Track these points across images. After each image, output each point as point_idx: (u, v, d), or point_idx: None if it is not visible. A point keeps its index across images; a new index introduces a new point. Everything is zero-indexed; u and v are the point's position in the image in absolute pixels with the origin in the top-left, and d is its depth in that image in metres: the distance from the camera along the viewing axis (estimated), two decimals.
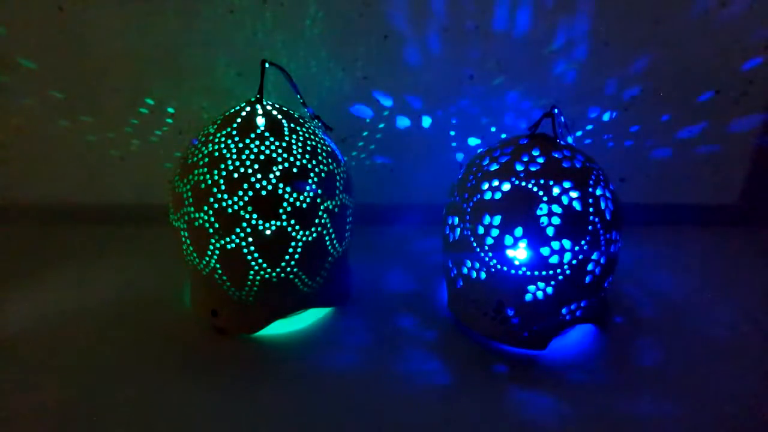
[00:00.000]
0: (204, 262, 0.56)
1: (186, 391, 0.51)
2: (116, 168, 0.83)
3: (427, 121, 0.80)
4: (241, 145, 0.54)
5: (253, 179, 0.53)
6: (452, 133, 0.81)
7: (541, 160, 0.54)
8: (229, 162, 0.53)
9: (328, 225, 0.57)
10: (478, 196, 0.55)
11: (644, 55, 0.76)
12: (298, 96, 0.60)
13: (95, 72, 0.77)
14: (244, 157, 0.53)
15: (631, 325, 0.62)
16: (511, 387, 0.53)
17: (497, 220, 0.53)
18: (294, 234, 0.55)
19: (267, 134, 0.55)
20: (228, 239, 0.53)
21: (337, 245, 0.60)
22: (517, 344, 0.57)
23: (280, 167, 0.54)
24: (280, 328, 0.59)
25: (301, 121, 0.58)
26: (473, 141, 0.82)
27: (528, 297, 0.54)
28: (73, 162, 0.82)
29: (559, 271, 0.52)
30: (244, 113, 0.56)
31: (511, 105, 0.79)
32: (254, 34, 0.74)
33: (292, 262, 0.56)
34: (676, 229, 0.86)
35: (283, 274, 0.56)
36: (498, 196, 0.53)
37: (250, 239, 0.53)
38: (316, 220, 0.56)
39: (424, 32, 0.75)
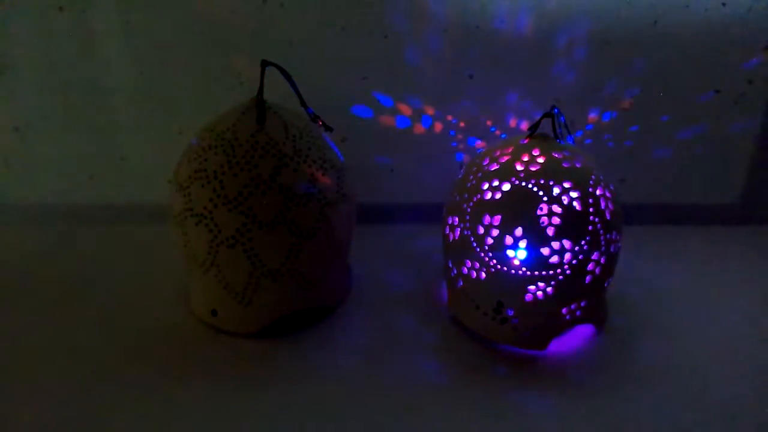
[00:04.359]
0: (204, 262, 0.56)
1: (185, 391, 0.51)
2: (116, 168, 0.83)
3: (427, 121, 0.80)
4: (241, 145, 0.54)
5: (253, 179, 0.53)
6: (452, 133, 0.81)
7: (541, 161, 0.54)
8: (230, 162, 0.53)
9: (328, 224, 0.57)
10: (478, 196, 0.55)
11: (644, 55, 0.76)
12: (298, 96, 0.60)
13: (95, 72, 0.77)
14: (244, 157, 0.53)
15: (631, 326, 0.62)
16: (510, 387, 0.53)
17: (497, 220, 0.53)
18: (295, 234, 0.55)
19: (267, 133, 0.55)
20: (228, 239, 0.53)
21: (337, 245, 0.60)
22: (517, 344, 0.57)
23: (281, 167, 0.54)
24: (279, 328, 0.59)
25: (301, 121, 0.58)
26: (473, 141, 0.82)
27: (528, 297, 0.54)
28: (73, 162, 0.82)
29: (559, 271, 0.52)
30: (244, 113, 0.56)
31: (512, 105, 0.79)
32: (254, 34, 0.74)
33: (292, 262, 0.56)
34: (676, 229, 0.86)
35: (283, 274, 0.56)
36: (498, 196, 0.54)
37: (251, 239, 0.53)
38: (317, 220, 0.56)
39: (424, 32, 0.75)
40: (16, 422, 0.48)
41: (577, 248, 0.52)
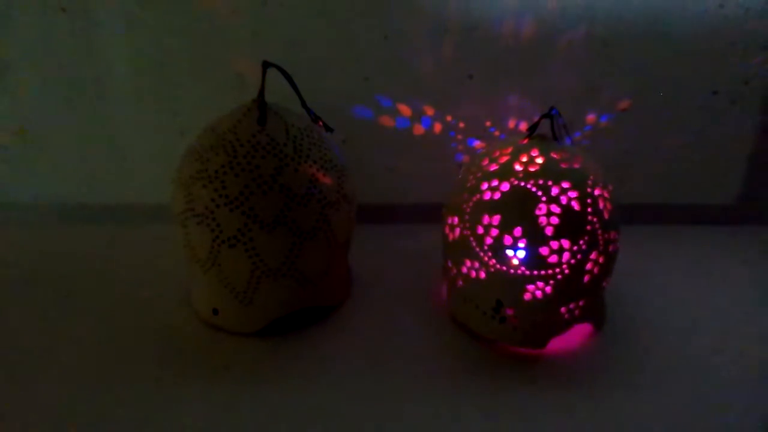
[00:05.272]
0: (205, 262, 0.56)
1: (186, 390, 0.52)
2: (117, 168, 0.83)
3: (426, 122, 0.80)
4: (242, 145, 0.54)
5: (254, 179, 0.53)
6: (452, 133, 0.81)
7: (539, 161, 0.54)
8: (231, 162, 0.54)
9: (329, 224, 0.57)
10: (478, 196, 0.55)
11: (642, 56, 0.76)
12: (299, 97, 0.60)
13: (97, 72, 0.77)
14: (245, 157, 0.54)
15: (629, 325, 0.62)
16: (509, 386, 0.53)
17: (497, 220, 0.53)
18: (296, 234, 0.55)
19: (268, 134, 0.55)
20: (229, 238, 0.54)
21: (337, 245, 0.60)
22: (516, 343, 0.57)
23: (281, 168, 0.54)
24: (280, 327, 0.59)
25: (301, 121, 0.59)
26: (473, 141, 0.82)
27: (527, 296, 0.54)
28: (73, 162, 0.82)
29: (557, 270, 0.53)
30: (245, 114, 0.56)
31: (511, 106, 0.79)
32: (254, 34, 0.75)
33: (293, 262, 0.56)
34: (675, 229, 0.86)
35: (283, 274, 0.56)
36: (497, 196, 0.54)
37: (252, 238, 0.54)
38: (317, 220, 0.56)
39: (424, 33, 0.75)
40: (14, 420, 0.48)
41: (575, 248, 0.52)
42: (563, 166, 0.54)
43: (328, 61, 0.76)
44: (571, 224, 0.52)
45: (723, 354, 0.58)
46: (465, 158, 0.83)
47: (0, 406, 0.49)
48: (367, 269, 0.72)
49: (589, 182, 0.54)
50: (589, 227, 0.53)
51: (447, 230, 0.59)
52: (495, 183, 0.54)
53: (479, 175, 0.56)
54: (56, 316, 0.62)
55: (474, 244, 0.55)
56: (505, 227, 0.53)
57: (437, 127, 0.81)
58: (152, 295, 0.66)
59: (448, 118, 0.80)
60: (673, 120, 0.81)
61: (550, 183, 0.53)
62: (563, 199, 0.52)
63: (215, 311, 0.59)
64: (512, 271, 0.53)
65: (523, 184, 0.53)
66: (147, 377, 0.53)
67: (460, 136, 0.81)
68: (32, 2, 0.73)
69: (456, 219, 0.57)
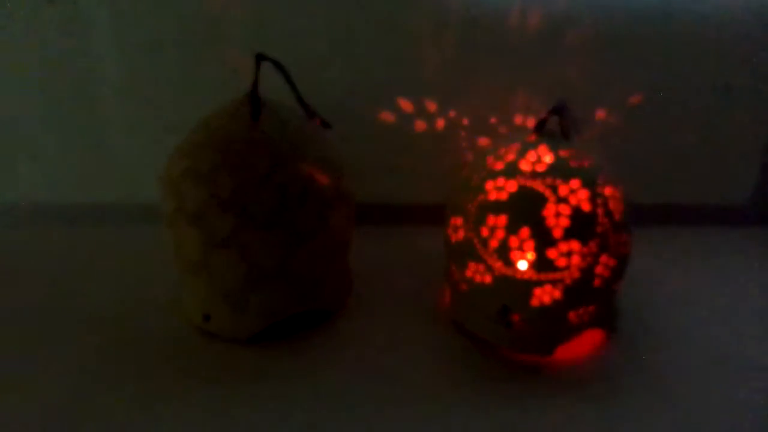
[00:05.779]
0: (197, 264, 0.54)
1: (176, 400, 0.50)
2: (104, 166, 0.81)
3: (429, 119, 0.79)
4: (234, 142, 0.53)
5: (248, 178, 0.51)
6: (457, 132, 0.80)
7: (548, 159, 0.53)
8: (223, 160, 0.52)
9: (326, 225, 0.56)
10: (483, 196, 0.53)
11: (653, 51, 0.75)
12: (295, 92, 0.59)
13: (86, 68, 0.75)
14: (239, 155, 0.52)
15: (640, 331, 0.60)
16: (514, 394, 0.51)
17: (503, 221, 0.52)
18: (292, 235, 0.53)
19: (263, 131, 0.53)
20: (222, 240, 0.52)
21: (335, 246, 0.58)
22: (522, 350, 0.55)
23: (277, 166, 0.52)
24: (275, 333, 0.58)
25: (298, 118, 0.57)
26: (478, 140, 0.80)
27: (534, 301, 0.52)
28: (59, 160, 0.81)
29: (566, 274, 0.51)
30: (238, 109, 0.55)
31: (517, 102, 0.78)
32: (249, 27, 0.73)
33: (289, 264, 0.54)
34: (687, 230, 0.85)
35: (279, 277, 0.54)
36: (503, 196, 0.52)
37: (245, 240, 0.52)
38: (314, 221, 0.54)
39: (427, 27, 0.73)
40: (7, 425, 0.47)
41: (585, 250, 0.51)
42: (572, 164, 0.52)
43: (325, 55, 0.75)
44: (580, 226, 0.50)
45: (739, 360, 0.56)
46: (469, 156, 0.81)
47: None
48: (367, 272, 0.70)
49: (600, 182, 0.52)
50: (599, 229, 0.51)
51: (450, 232, 0.58)
52: (501, 182, 0.53)
53: (484, 174, 0.55)
54: (41, 319, 0.60)
55: (478, 246, 0.53)
56: (512, 229, 0.51)
57: (440, 124, 0.79)
58: (142, 299, 0.64)
59: (451, 115, 0.79)
60: (684, 116, 0.79)
61: (558, 182, 0.51)
62: (572, 200, 0.51)
63: (207, 317, 0.57)
64: (519, 274, 0.52)
65: (530, 183, 0.51)
66: (136, 386, 0.51)
67: (464, 134, 0.80)
68: None
69: (460, 220, 0.56)
